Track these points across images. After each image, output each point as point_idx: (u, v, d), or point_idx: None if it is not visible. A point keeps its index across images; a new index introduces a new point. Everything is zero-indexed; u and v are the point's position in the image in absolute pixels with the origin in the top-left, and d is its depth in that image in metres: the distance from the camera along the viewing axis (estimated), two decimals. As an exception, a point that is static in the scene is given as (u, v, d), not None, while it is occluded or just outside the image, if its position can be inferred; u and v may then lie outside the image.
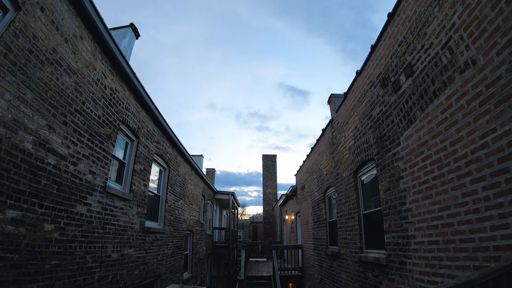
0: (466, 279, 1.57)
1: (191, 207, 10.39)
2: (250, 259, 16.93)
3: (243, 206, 54.75)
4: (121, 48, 5.62)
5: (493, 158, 2.15)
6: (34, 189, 2.95)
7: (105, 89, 4.36)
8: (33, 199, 2.93)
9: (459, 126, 2.52)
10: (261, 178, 26.60)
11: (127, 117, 5.13)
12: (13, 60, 2.68)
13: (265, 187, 25.92)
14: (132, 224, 5.29)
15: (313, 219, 9.02)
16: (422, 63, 3.12)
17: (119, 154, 5.16)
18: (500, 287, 1.57)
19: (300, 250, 10.85)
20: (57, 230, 3.28)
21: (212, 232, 15.84)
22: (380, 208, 4.16)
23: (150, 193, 6.54)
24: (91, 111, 3.99)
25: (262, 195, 26.13)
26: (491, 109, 2.18)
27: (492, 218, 2.14)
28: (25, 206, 2.84)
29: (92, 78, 4.00)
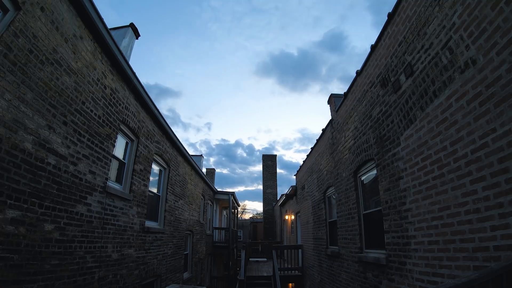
0: (466, 279, 1.57)
1: (191, 207, 10.39)
2: (250, 259, 16.93)
3: (243, 203, 54.58)
4: (121, 48, 5.62)
5: (493, 158, 2.15)
6: (34, 189, 2.94)
7: (105, 89, 4.36)
8: (33, 199, 2.93)
9: (459, 126, 2.52)
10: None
11: (127, 117, 5.13)
12: (13, 60, 2.68)
13: (265, 187, 25.88)
14: (132, 224, 5.29)
15: (313, 219, 9.01)
16: (422, 63, 3.12)
17: (119, 154, 5.16)
18: (500, 287, 1.57)
19: (300, 250, 10.84)
20: (57, 230, 3.28)
21: (212, 232, 15.84)
22: (380, 208, 4.16)
23: (150, 193, 6.54)
24: (91, 111, 3.99)
25: (262, 195, 26.15)
26: (491, 109, 2.18)
27: (492, 218, 2.14)
28: (25, 206, 2.84)
29: (92, 78, 4.00)
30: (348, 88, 5.66)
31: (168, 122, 7.11)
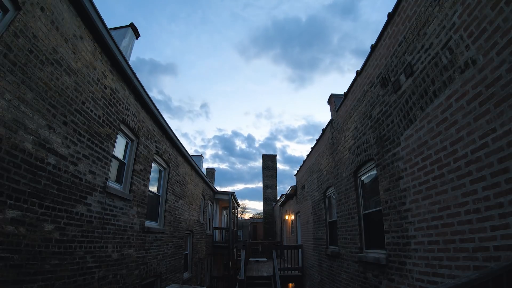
0: (466, 279, 1.57)
1: (191, 207, 10.39)
2: (250, 259, 16.93)
3: (243, 202, 54.45)
4: (121, 48, 5.62)
5: (493, 158, 2.15)
6: (34, 189, 2.94)
7: (105, 89, 4.36)
8: (33, 199, 2.93)
9: (459, 126, 2.52)
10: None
11: (127, 117, 5.13)
12: (13, 60, 2.68)
13: (265, 187, 25.88)
14: (132, 224, 5.29)
15: (313, 219, 9.01)
16: (422, 63, 3.12)
17: (119, 154, 5.16)
18: (500, 287, 1.57)
19: (300, 250, 10.84)
20: (57, 230, 3.28)
21: (212, 232, 15.84)
22: (380, 208, 4.16)
23: (150, 193, 6.54)
24: (91, 111, 3.99)
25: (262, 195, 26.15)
26: (491, 109, 2.18)
27: (492, 218, 2.14)
28: (25, 206, 2.84)
29: (92, 78, 4.00)
30: (348, 88, 5.66)
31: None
